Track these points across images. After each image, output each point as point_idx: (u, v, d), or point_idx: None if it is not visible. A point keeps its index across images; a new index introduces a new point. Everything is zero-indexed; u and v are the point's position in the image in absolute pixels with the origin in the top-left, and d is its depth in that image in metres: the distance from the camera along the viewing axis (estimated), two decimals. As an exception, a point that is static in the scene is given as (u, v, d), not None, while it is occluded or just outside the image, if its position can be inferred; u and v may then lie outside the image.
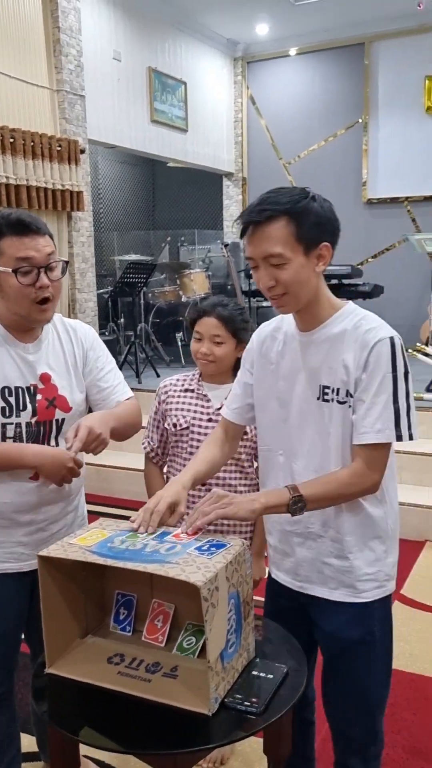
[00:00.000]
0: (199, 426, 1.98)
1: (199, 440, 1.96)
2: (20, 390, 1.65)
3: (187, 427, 1.99)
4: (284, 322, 1.61)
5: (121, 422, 1.73)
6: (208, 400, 2.00)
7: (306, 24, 7.14)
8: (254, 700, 1.23)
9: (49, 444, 1.71)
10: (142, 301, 6.58)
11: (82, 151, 5.40)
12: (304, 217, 1.39)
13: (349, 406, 1.46)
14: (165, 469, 2.12)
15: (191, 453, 1.97)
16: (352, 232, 7.37)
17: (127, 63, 6.26)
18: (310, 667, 1.73)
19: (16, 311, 1.61)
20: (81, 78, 5.48)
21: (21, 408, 1.65)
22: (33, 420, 1.66)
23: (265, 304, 7.56)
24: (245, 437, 1.94)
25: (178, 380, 2.08)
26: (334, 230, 1.46)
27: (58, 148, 5.10)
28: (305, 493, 1.42)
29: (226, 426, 1.71)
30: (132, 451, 4.76)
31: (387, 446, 1.46)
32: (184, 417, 2.00)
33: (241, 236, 1.45)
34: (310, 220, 1.40)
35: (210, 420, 1.98)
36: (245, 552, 1.34)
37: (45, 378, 1.68)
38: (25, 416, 1.65)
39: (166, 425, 2.04)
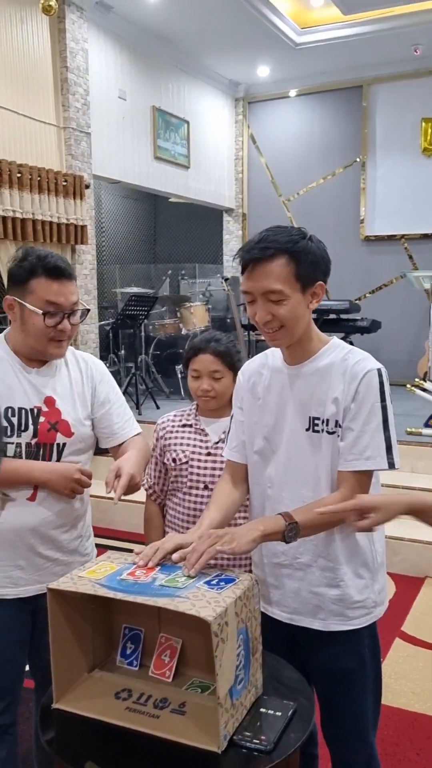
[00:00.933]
0: (198, 460, 1.99)
1: (198, 474, 1.98)
2: (23, 411, 1.68)
3: (187, 462, 2.00)
4: (268, 358, 1.65)
5: (145, 462, 1.82)
6: (206, 434, 2.02)
7: (306, 67, 7.34)
8: (263, 737, 1.22)
9: None
10: (142, 333, 6.63)
11: (87, 186, 5.50)
12: (303, 256, 1.45)
13: (338, 436, 1.50)
14: (165, 505, 2.12)
15: (191, 488, 1.98)
16: (351, 268, 7.47)
17: (132, 102, 6.41)
18: None
19: (32, 345, 1.67)
20: (87, 116, 5.61)
21: (22, 428, 1.67)
22: (33, 441, 1.68)
23: (263, 337, 7.60)
24: None
25: (175, 416, 2.10)
26: (327, 270, 1.52)
27: (64, 183, 5.20)
28: (299, 519, 1.44)
29: (232, 469, 1.71)
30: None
31: (371, 473, 1.50)
32: (183, 452, 2.01)
33: (243, 272, 1.49)
34: (308, 260, 1.46)
35: (209, 454, 1.99)
36: (254, 587, 1.35)
37: (49, 401, 1.71)
38: (26, 437, 1.67)
39: (165, 461, 2.06)
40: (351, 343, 1.62)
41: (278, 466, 1.59)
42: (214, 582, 1.31)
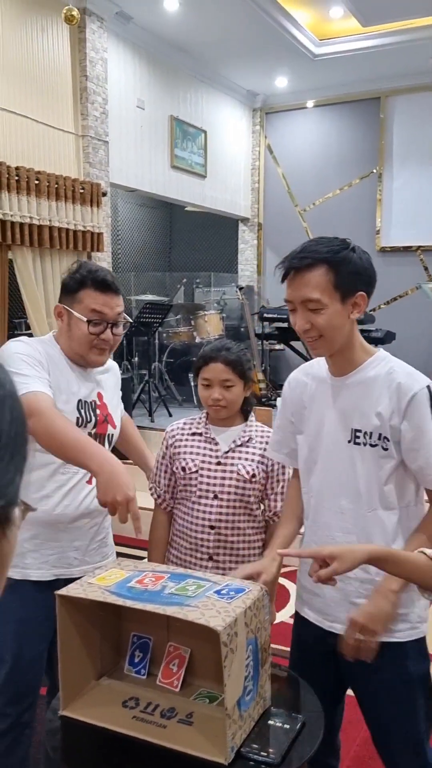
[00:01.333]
0: (208, 469, 1.97)
1: (208, 483, 1.95)
2: (87, 403, 1.84)
3: (196, 471, 1.97)
4: (314, 368, 1.66)
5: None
6: (216, 443, 1.99)
7: (324, 78, 7.35)
8: (271, 750, 1.21)
9: None
10: (156, 340, 6.64)
11: (104, 194, 5.54)
12: (342, 266, 1.46)
13: (384, 449, 1.51)
14: (173, 512, 2.09)
15: (200, 497, 1.96)
16: (366, 279, 7.44)
17: (150, 111, 6.46)
18: (338, 712, 1.72)
19: (77, 350, 1.81)
20: (105, 124, 5.65)
21: (88, 419, 1.83)
22: (93, 431, 1.84)
23: (277, 347, 7.61)
24: (253, 479, 1.94)
25: (185, 424, 2.08)
26: (371, 281, 1.52)
27: (81, 191, 5.23)
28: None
29: (297, 475, 1.76)
30: (138, 489, 4.75)
31: None
32: (192, 461, 1.99)
33: (282, 280, 1.52)
34: (347, 270, 1.47)
35: (219, 463, 1.96)
36: (264, 597, 1.34)
37: (100, 396, 1.90)
38: (90, 427, 1.83)
39: (174, 469, 2.03)
40: None
41: (319, 476, 1.61)
42: (224, 592, 1.31)
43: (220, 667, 1.16)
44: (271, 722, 1.29)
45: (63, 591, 1.31)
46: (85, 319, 1.75)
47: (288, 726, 1.28)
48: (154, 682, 1.40)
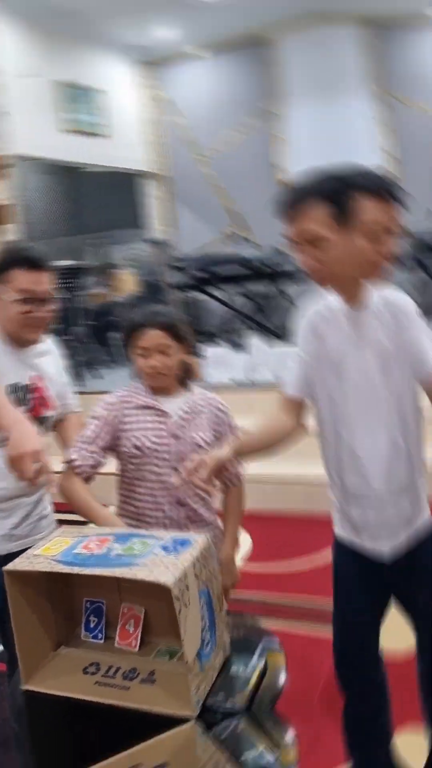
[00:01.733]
0: (167, 444, 1.84)
1: (166, 459, 1.83)
2: (20, 387, 1.84)
3: (154, 449, 1.84)
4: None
5: None
6: (169, 416, 1.86)
7: (214, 24, 7.23)
8: (236, 699, 1.23)
9: None
10: (74, 305, 6.52)
11: (7, 166, 5.32)
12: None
13: None
14: (124, 495, 1.92)
15: (159, 474, 1.83)
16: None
17: (40, 77, 6.28)
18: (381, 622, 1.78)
19: (10, 330, 1.83)
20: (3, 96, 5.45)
21: (21, 403, 1.81)
22: (28, 415, 1.76)
23: (201, 297, 7.57)
24: (209, 446, 1.86)
25: (127, 396, 1.90)
26: None
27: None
28: None
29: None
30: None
31: None
32: (146, 437, 1.84)
33: None
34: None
35: (174, 436, 1.84)
36: (210, 547, 1.34)
37: (37, 378, 1.89)
38: (23, 410, 1.76)
39: (123, 448, 1.87)
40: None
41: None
42: (170, 547, 1.30)
43: (176, 622, 1.16)
44: (233, 669, 1.31)
45: (10, 566, 1.27)
46: (14, 297, 1.77)
47: (250, 672, 1.30)
48: (112, 645, 1.39)
